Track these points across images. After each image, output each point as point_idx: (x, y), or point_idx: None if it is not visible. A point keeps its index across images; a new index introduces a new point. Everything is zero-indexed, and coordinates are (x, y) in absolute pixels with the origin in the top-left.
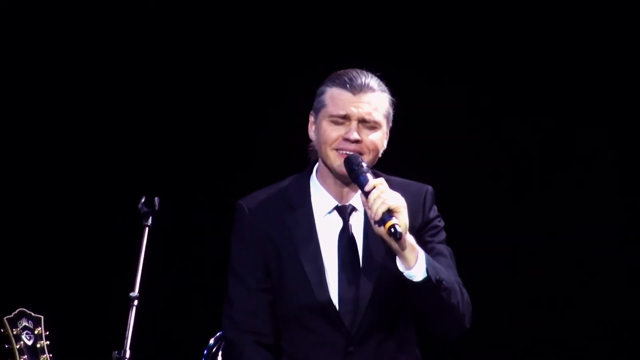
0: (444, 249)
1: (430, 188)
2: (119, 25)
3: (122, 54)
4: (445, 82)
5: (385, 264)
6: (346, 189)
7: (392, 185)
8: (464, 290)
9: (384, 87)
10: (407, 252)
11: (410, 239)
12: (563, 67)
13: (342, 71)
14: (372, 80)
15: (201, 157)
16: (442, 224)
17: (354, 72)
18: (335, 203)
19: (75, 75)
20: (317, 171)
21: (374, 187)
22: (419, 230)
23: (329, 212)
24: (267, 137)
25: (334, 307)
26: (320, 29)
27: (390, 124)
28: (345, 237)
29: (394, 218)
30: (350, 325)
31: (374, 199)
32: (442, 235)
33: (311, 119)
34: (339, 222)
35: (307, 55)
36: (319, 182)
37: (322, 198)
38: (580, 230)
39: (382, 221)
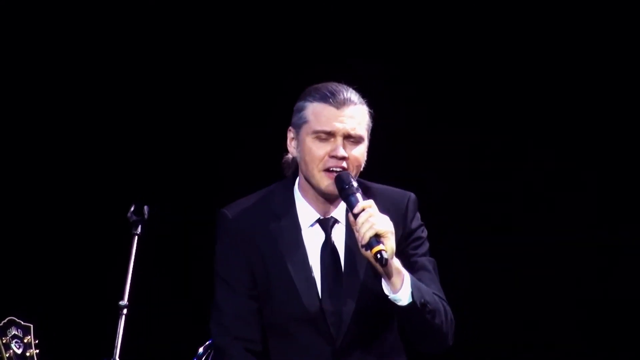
0: (427, 262)
1: (412, 196)
2: (101, 41)
3: (112, 63)
4: (436, 82)
5: (367, 277)
6: (327, 204)
7: (374, 194)
8: (448, 308)
9: (362, 100)
10: (393, 276)
11: (396, 262)
12: (555, 65)
13: (319, 85)
14: (353, 94)
15: (190, 165)
16: (425, 234)
17: (333, 86)
18: (317, 216)
19: (64, 85)
20: (298, 183)
21: (363, 210)
22: (401, 241)
23: (312, 225)
24: (257, 145)
25: (321, 317)
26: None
27: (369, 137)
28: (328, 249)
29: (381, 244)
30: (337, 335)
31: (362, 223)
32: (425, 246)
33: (290, 134)
34: (321, 235)
35: (297, 62)
36: (301, 194)
37: (305, 210)
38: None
39: (369, 246)
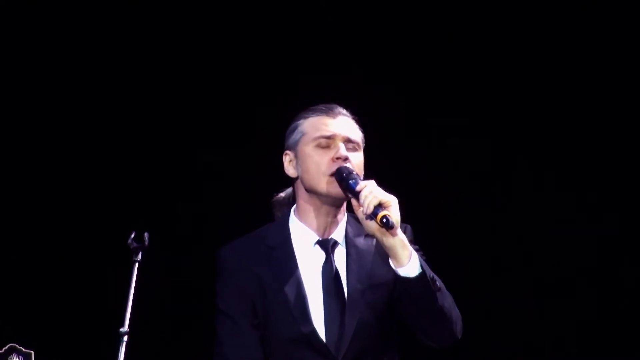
0: None
1: (408, 227)
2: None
3: (105, 82)
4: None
5: (369, 296)
6: (328, 221)
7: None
8: (456, 306)
9: (355, 119)
10: (400, 249)
11: (402, 236)
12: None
13: (311, 107)
14: (345, 110)
15: (191, 192)
16: (423, 258)
17: (324, 104)
18: (316, 237)
19: (64, 102)
20: (294, 211)
21: (365, 187)
22: None
23: (312, 246)
24: (256, 174)
25: (319, 337)
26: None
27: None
28: (329, 268)
29: (385, 210)
30: (337, 354)
31: (366, 195)
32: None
33: (286, 158)
34: (321, 255)
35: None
36: (299, 219)
37: (302, 235)
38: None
39: (374, 214)
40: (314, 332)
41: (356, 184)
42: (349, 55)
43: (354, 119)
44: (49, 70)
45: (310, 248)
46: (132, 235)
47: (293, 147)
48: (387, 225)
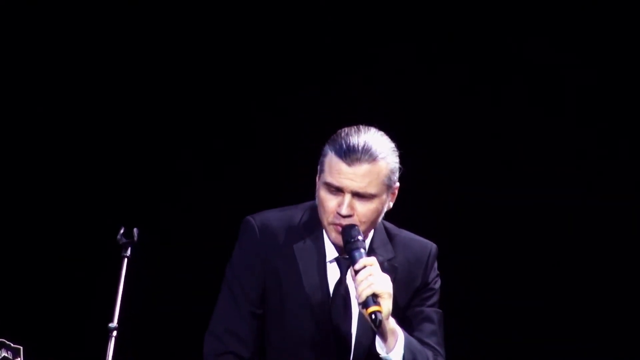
0: (433, 313)
1: (434, 248)
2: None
3: (94, 80)
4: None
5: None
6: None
7: (397, 243)
8: None
9: (384, 152)
10: (387, 335)
11: (392, 322)
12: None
13: (345, 133)
14: (373, 149)
15: (180, 186)
16: (437, 285)
17: (353, 136)
18: (335, 254)
19: (53, 104)
20: None
21: (364, 267)
22: (416, 290)
23: (330, 262)
24: (248, 166)
25: (334, 347)
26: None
27: (396, 184)
28: (342, 289)
29: (376, 305)
30: None
31: (361, 281)
32: (435, 298)
33: (317, 177)
34: (336, 273)
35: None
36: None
37: (327, 242)
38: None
39: (365, 304)
40: (326, 337)
41: (359, 257)
42: (349, 54)
43: (379, 158)
44: (39, 69)
45: (329, 262)
46: (122, 231)
47: (319, 173)
48: (374, 322)
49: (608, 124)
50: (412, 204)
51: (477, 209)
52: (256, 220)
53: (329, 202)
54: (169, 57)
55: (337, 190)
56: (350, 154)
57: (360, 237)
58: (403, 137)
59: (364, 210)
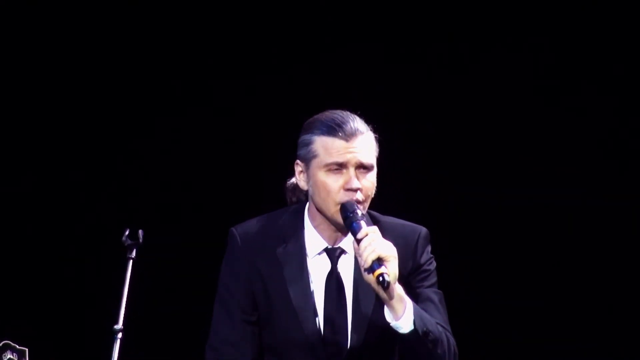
0: (433, 293)
1: (423, 231)
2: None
3: (106, 82)
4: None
5: (373, 309)
6: (336, 234)
7: (384, 228)
8: (452, 340)
9: (368, 127)
10: (395, 303)
11: (399, 289)
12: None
13: (323, 116)
14: (359, 123)
15: (186, 188)
16: (433, 266)
17: (338, 116)
18: (325, 245)
19: (57, 103)
20: (308, 210)
21: (366, 235)
22: (409, 274)
23: (319, 254)
24: (256, 170)
25: (323, 347)
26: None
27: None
28: (333, 280)
29: (383, 267)
30: None
31: (365, 247)
32: (432, 279)
33: (298, 167)
34: (327, 265)
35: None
36: (310, 222)
37: (313, 238)
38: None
39: (371, 269)
40: (316, 340)
41: (358, 227)
42: (348, 52)
43: (368, 130)
44: (44, 69)
45: (317, 254)
46: (127, 233)
47: (304, 161)
48: (382, 284)
49: (608, 124)
50: (412, 204)
51: (477, 209)
52: (238, 229)
53: (334, 183)
54: (174, 60)
55: (340, 169)
56: (344, 130)
57: (358, 211)
58: (403, 137)
59: (367, 183)
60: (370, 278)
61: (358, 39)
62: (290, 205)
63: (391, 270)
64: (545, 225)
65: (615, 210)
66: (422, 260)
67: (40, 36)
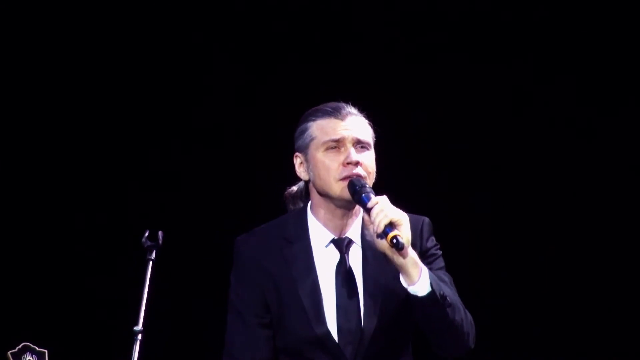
0: (444, 275)
1: (426, 219)
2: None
3: (109, 82)
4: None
5: (385, 296)
6: (342, 222)
7: None
8: (468, 312)
9: (363, 114)
10: (410, 267)
11: (412, 253)
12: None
13: (318, 107)
14: (353, 109)
15: (205, 191)
16: (439, 252)
17: (332, 104)
18: (331, 236)
19: (76, 105)
20: (311, 207)
21: (377, 203)
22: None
23: (326, 246)
24: (270, 173)
25: (333, 339)
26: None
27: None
28: (343, 269)
29: (396, 230)
30: (352, 357)
31: (377, 213)
32: (441, 262)
33: (297, 160)
34: (336, 255)
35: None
36: (314, 217)
37: (319, 231)
38: None
39: (384, 233)
40: (327, 334)
41: (368, 198)
42: (349, 53)
43: (363, 115)
44: (64, 71)
45: (325, 246)
46: (146, 234)
47: (303, 150)
48: (397, 246)
49: (608, 124)
50: (412, 204)
51: (477, 209)
52: (244, 238)
53: (333, 161)
54: (185, 62)
55: (337, 147)
56: (339, 110)
57: (367, 185)
58: (403, 136)
59: (367, 160)
60: (384, 244)
61: (357, 39)
62: (292, 210)
63: (404, 233)
64: (545, 225)
65: (614, 211)
66: (429, 244)
67: (52, 38)
